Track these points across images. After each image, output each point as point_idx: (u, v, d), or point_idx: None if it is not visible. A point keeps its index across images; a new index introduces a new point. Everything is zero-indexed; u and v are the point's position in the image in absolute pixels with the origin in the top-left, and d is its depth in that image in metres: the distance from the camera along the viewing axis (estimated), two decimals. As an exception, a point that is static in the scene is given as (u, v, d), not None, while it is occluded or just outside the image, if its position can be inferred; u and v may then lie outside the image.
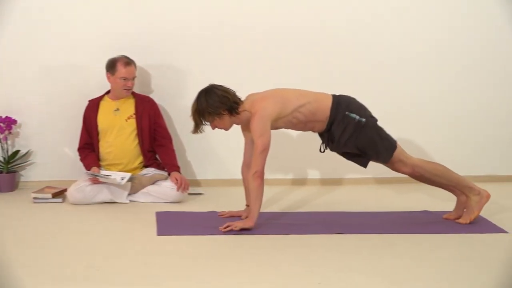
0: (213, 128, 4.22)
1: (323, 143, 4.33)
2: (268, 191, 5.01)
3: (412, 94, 5.54)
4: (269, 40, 5.34)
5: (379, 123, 4.25)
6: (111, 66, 4.90)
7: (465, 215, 4.28)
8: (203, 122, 4.17)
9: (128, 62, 4.89)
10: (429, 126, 5.59)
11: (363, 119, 4.15)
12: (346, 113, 4.15)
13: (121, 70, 4.87)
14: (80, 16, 5.15)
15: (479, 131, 5.63)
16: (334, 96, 4.24)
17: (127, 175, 4.74)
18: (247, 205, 4.36)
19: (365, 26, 5.41)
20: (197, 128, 4.19)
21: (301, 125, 4.26)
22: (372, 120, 4.21)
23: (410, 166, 4.24)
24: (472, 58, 5.55)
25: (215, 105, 4.09)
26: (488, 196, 4.26)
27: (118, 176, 4.73)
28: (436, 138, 5.58)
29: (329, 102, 4.19)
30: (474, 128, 5.62)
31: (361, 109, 4.21)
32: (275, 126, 4.19)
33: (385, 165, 4.32)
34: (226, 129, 4.25)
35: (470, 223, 4.24)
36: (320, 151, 4.36)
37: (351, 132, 4.16)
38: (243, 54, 5.33)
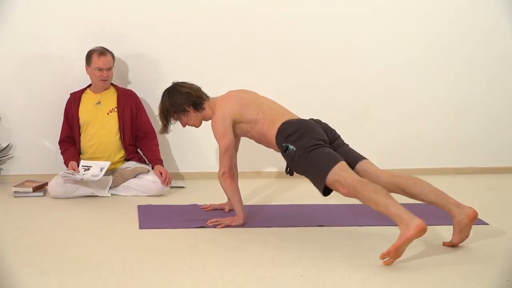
0: (183, 126, 4.22)
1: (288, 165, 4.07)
2: (251, 184, 5.04)
3: (383, 89, 5.59)
4: (248, 32, 5.34)
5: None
6: (88, 57, 4.90)
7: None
8: (169, 122, 4.17)
9: (102, 52, 4.87)
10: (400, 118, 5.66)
11: (294, 149, 3.85)
12: (283, 144, 3.94)
13: (95, 60, 4.85)
14: (60, 9, 5.10)
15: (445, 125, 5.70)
16: (281, 124, 3.99)
17: (106, 164, 4.70)
18: (229, 198, 4.36)
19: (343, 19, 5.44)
20: (164, 129, 4.19)
21: (257, 142, 4.17)
22: (303, 147, 3.82)
23: (346, 187, 3.65)
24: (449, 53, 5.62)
25: (178, 102, 4.09)
26: (420, 226, 3.35)
27: (97, 166, 4.70)
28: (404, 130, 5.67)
29: (275, 129, 3.99)
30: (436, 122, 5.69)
31: (301, 138, 3.87)
32: (235, 132, 4.08)
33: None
34: (196, 126, 4.24)
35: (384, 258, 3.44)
36: (286, 172, 4.06)
37: (289, 162, 3.97)
38: (223, 45, 5.33)
